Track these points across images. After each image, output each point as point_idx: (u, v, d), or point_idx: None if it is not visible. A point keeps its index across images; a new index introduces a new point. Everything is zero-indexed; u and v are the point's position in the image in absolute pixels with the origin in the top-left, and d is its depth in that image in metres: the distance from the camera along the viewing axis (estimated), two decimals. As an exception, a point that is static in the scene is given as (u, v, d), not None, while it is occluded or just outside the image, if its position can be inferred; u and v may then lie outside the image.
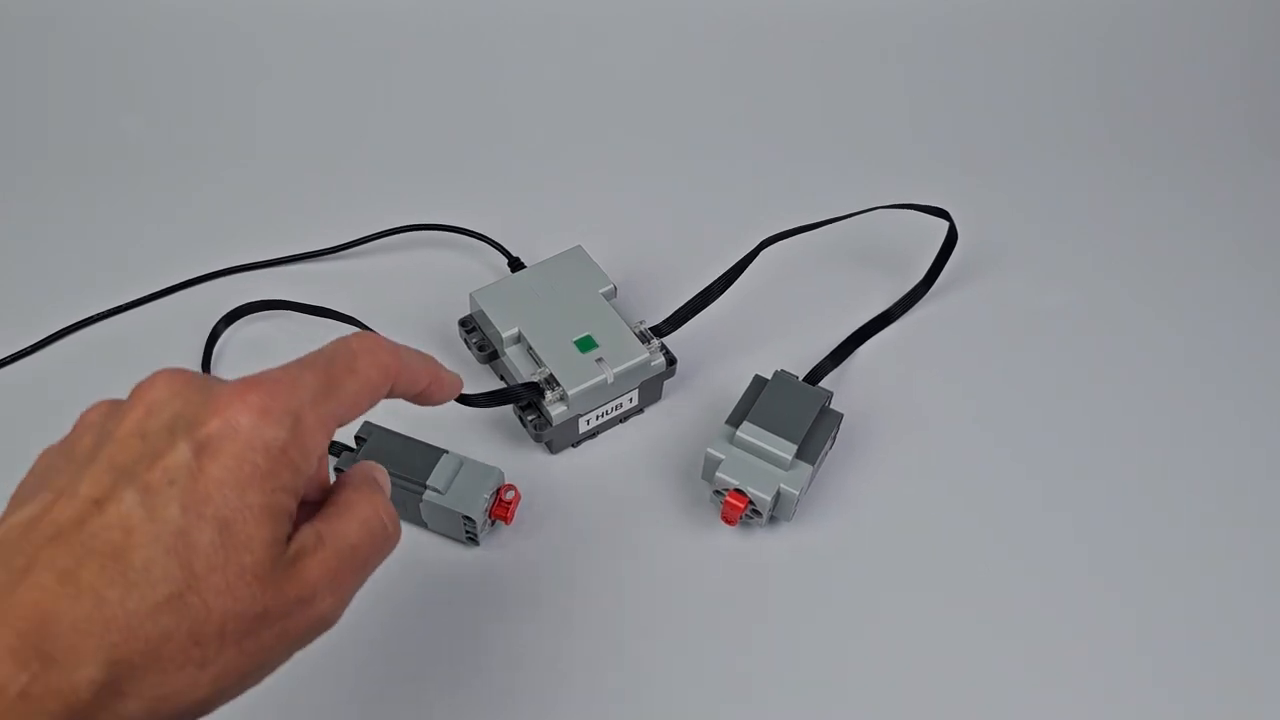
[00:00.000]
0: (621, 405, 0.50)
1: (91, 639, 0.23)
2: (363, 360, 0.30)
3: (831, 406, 0.49)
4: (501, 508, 0.46)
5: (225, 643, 0.25)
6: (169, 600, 0.24)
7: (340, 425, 0.29)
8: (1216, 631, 0.45)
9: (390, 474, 0.45)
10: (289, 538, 0.27)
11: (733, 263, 0.54)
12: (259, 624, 0.26)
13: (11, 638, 0.22)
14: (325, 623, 0.28)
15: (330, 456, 0.47)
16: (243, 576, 0.25)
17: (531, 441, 0.51)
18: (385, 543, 0.30)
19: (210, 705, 0.26)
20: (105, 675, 0.23)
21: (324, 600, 0.27)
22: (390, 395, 0.32)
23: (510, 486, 0.46)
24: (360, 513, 0.29)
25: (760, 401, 0.48)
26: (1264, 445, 0.53)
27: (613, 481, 0.50)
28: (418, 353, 0.33)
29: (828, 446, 0.48)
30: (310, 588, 0.27)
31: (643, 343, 0.50)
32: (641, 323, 0.51)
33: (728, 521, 0.46)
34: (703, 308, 0.53)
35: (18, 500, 0.27)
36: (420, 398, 0.33)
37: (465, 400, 0.48)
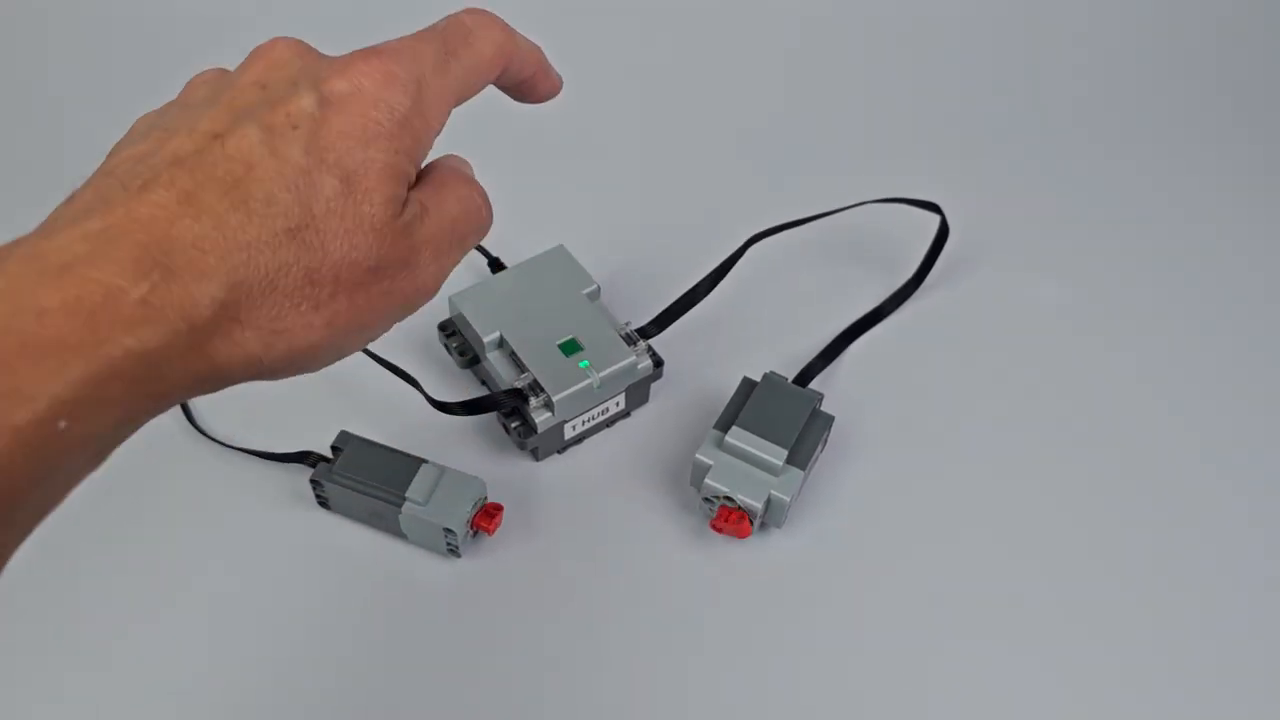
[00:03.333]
0: (608, 410, 0.49)
1: (212, 258, 0.24)
2: (478, 35, 0.30)
3: (822, 408, 0.48)
4: (484, 518, 0.44)
5: (339, 289, 0.26)
6: (288, 233, 0.25)
7: (458, 101, 0.30)
8: (1219, 631, 0.44)
9: (367, 487, 0.44)
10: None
11: (719, 260, 0.52)
12: (370, 277, 0.26)
13: (132, 248, 0.23)
14: (425, 292, 0.28)
15: (307, 468, 0.46)
16: (360, 226, 0.26)
17: (515, 449, 0.49)
18: (481, 222, 0.30)
19: (321, 354, 0.27)
20: (225, 295, 0.24)
21: (428, 267, 0.28)
22: (499, 81, 0.32)
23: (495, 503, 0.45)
24: (458, 190, 0.29)
25: (749, 405, 0.46)
26: (1261, 438, 0.52)
27: (599, 489, 0.48)
28: (527, 39, 0.33)
29: (819, 450, 0.47)
30: (417, 251, 0.27)
31: (629, 345, 0.48)
32: (627, 324, 0.49)
33: (718, 529, 0.44)
34: (689, 308, 0.51)
35: (125, 143, 0.27)
36: (525, 87, 0.33)
37: (445, 408, 0.46)
